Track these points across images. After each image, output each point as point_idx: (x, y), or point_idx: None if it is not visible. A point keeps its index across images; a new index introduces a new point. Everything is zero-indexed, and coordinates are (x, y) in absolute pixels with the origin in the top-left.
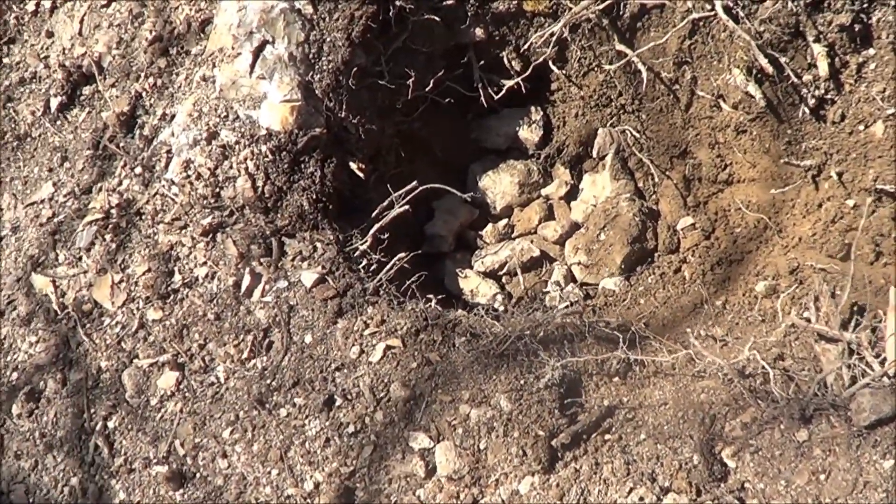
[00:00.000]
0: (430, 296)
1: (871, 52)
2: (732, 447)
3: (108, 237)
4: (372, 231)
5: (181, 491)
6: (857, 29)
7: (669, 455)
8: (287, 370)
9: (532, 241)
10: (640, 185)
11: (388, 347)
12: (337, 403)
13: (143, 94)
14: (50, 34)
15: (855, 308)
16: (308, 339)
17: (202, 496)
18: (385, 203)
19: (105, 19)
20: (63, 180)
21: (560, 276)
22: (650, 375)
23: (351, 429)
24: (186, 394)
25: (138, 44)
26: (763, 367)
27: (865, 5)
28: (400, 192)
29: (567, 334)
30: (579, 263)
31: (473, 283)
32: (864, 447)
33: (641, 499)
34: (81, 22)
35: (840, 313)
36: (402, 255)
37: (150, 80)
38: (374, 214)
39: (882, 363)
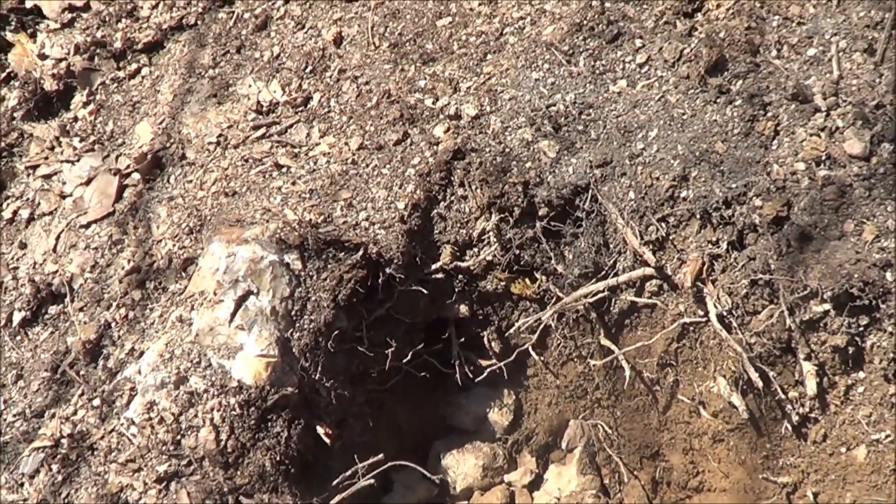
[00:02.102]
0: None
1: (862, 375)
2: None
3: (55, 467)
4: (334, 501)
5: None
6: (850, 351)
7: None
8: None
9: None
10: (607, 481)
11: None
12: None
13: (113, 324)
14: (23, 245)
15: None
16: None
17: None
18: (348, 473)
19: (82, 240)
20: (14, 399)
21: None
22: None
23: None
24: None
25: (114, 271)
26: None
27: (862, 329)
28: (365, 463)
29: None
30: None
31: None
32: None
33: None
34: (57, 238)
35: None
36: None
37: (122, 310)
38: (335, 483)
39: None
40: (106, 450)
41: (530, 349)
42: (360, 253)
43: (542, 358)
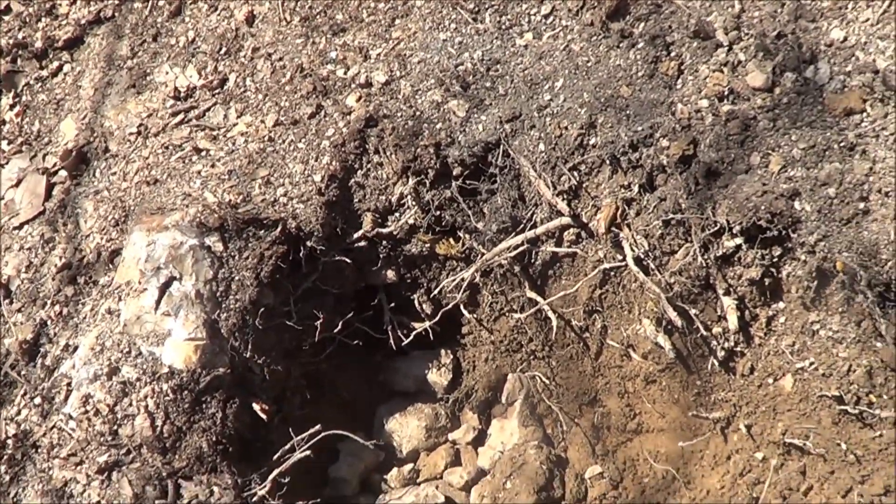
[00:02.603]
0: None
1: (781, 305)
2: None
3: (2, 468)
4: (272, 476)
5: None
6: (766, 283)
7: None
8: None
9: (437, 487)
10: (549, 431)
11: None
12: None
13: (49, 322)
14: None
15: None
16: None
17: None
18: (287, 447)
19: (16, 241)
20: None
21: None
22: None
23: None
24: None
25: (47, 269)
26: None
27: (775, 259)
28: (302, 436)
29: None
30: None
31: None
32: None
33: None
34: None
35: None
36: (300, 503)
37: (56, 308)
38: (275, 458)
39: None
40: (48, 446)
41: (462, 307)
42: (280, 229)
43: (474, 315)
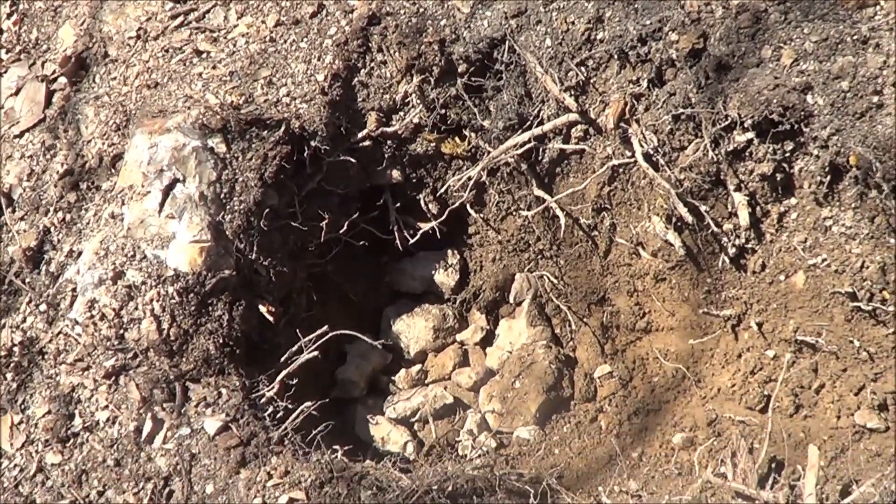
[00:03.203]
0: (337, 446)
1: (793, 201)
2: None
3: (9, 376)
4: (279, 377)
5: None
6: (778, 178)
7: None
8: None
9: (446, 388)
10: (558, 331)
11: (292, 500)
12: None
13: (52, 228)
14: None
15: (773, 464)
16: (209, 489)
17: None
18: (294, 348)
19: (18, 149)
20: None
21: (474, 425)
22: None
23: None
24: None
25: (49, 177)
26: None
27: (787, 154)
28: (309, 337)
29: (476, 488)
30: (493, 412)
31: (384, 431)
32: None
33: None
34: None
35: (758, 469)
36: (308, 403)
37: (59, 214)
38: (282, 359)
39: None
40: (55, 352)
41: (468, 207)
42: (283, 129)
43: (481, 215)
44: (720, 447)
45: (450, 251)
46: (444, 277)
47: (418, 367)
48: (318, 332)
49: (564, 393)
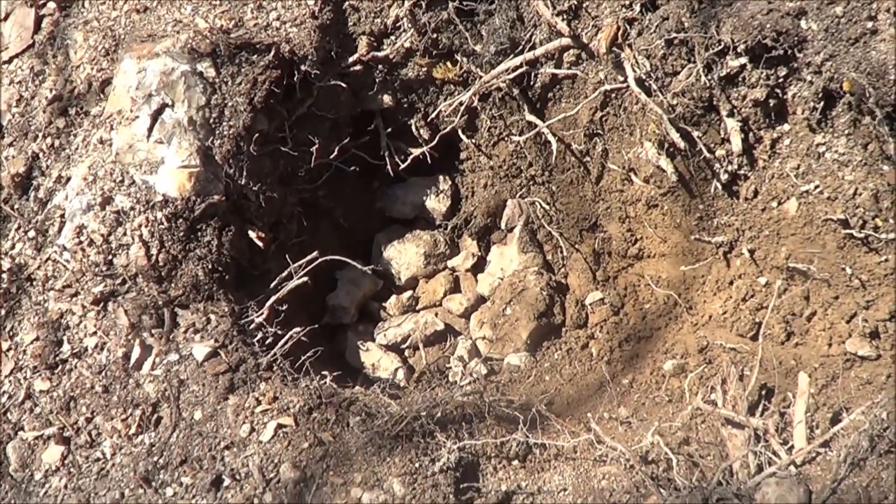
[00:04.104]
0: (325, 372)
1: (786, 127)
2: None
3: None
4: (269, 303)
5: None
6: (771, 104)
7: None
8: (175, 447)
9: (437, 314)
10: (549, 258)
11: (280, 426)
12: (225, 483)
13: (41, 154)
14: None
15: (763, 391)
16: (198, 415)
17: None
18: (284, 274)
19: (7, 76)
20: None
21: (464, 351)
22: (551, 459)
23: None
24: (71, 469)
25: (38, 102)
26: (666, 454)
27: (781, 80)
28: (299, 262)
29: (466, 414)
30: (484, 338)
31: (375, 357)
32: None
33: None
34: None
35: (748, 396)
36: (297, 329)
37: (48, 140)
38: (272, 285)
39: (789, 451)
40: (43, 279)
41: (460, 132)
42: (273, 53)
43: (472, 141)
44: (711, 374)
45: (441, 177)
46: (436, 203)
47: (409, 293)
48: (309, 257)
49: (555, 320)
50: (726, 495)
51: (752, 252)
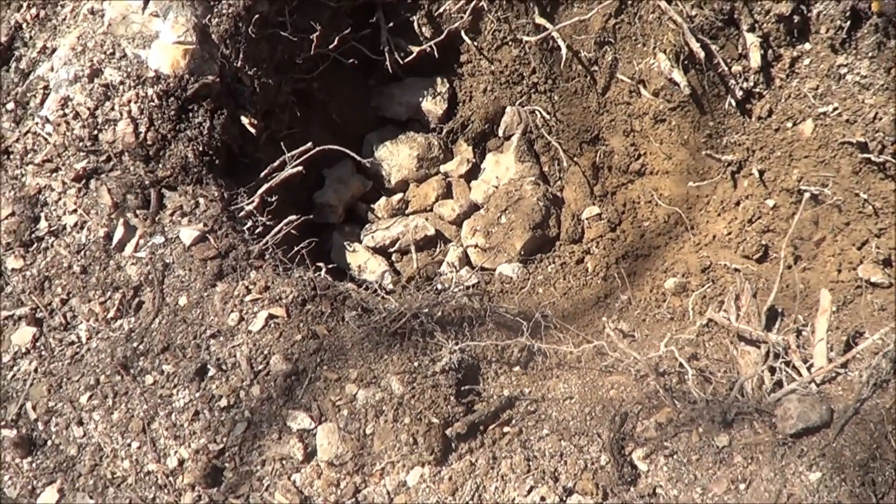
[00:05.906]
0: (321, 264)
1: (807, 46)
2: (644, 449)
3: None
4: (260, 191)
5: (29, 459)
6: (795, 21)
7: (574, 453)
8: (157, 334)
9: (427, 219)
10: (546, 169)
11: (271, 316)
12: (210, 373)
13: (24, 25)
14: None
15: (768, 312)
16: (182, 301)
17: (52, 466)
18: (276, 163)
19: None
20: None
21: (455, 258)
22: (553, 367)
23: (223, 402)
24: (43, 352)
25: None
26: (680, 365)
27: None
28: (294, 152)
29: (466, 317)
30: (476, 246)
31: (362, 259)
32: (789, 456)
33: (543, 499)
34: None
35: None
36: (292, 217)
37: (33, 10)
38: (263, 174)
39: (810, 369)
40: (21, 152)
41: (463, 33)
42: None
43: (475, 43)
44: (715, 294)
45: (439, 79)
46: (432, 105)
47: (399, 196)
48: (303, 147)
49: (550, 232)
50: (746, 410)
51: (762, 173)
